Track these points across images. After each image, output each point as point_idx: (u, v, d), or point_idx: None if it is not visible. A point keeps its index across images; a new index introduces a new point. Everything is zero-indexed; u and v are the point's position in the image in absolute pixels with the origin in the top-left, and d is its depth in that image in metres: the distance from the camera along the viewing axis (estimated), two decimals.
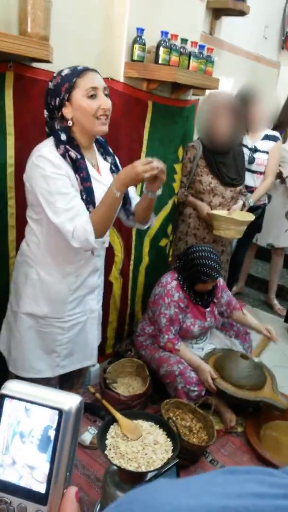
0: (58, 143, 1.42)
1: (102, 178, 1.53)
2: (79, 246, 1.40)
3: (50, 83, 1.44)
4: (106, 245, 1.46)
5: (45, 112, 1.47)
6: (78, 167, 1.42)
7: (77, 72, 1.40)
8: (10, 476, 0.38)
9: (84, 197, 1.44)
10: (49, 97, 1.43)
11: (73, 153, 1.42)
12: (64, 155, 1.41)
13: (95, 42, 1.90)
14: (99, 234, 1.40)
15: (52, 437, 0.38)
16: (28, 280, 1.55)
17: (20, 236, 1.75)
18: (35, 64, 1.63)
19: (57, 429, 0.38)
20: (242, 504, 0.30)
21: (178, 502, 0.30)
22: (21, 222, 1.74)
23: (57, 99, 1.41)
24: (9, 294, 1.67)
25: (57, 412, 0.38)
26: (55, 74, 1.44)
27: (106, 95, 1.43)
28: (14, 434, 0.39)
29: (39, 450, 0.38)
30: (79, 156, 1.43)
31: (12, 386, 0.40)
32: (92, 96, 1.40)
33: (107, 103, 1.42)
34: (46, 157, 1.38)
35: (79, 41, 1.80)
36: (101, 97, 1.41)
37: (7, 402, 0.39)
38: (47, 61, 1.53)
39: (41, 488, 0.37)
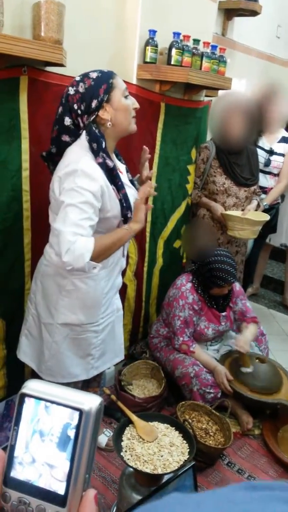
0: (98, 151, 1.38)
1: (125, 180, 1.54)
2: (68, 260, 1.29)
3: (72, 88, 1.40)
4: (96, 271, 1.39)
5: (67, 120, 1.41)
6: (114, 175, 1.42)
7: (110, 74, 1.43)
8: (29, 475, 0.38)
9: (124, 204, 1.45)
10: (79, 101, 1.39)
11: (109, 162, 1.40)
12: (101, 164, 1.38)
13: (108, 45, 1.91)
14: (95, 258, 1.33)
15: (72, 436, 0.38)
16: (63, 292, 1.52)
17: (36, 239, 1.77)
18: (48, 68, 1.64)
19: (77, 430, 0.38)
20: None
21: None
22: (37, 225, 1.75)
23: (95, 101, 1.38)
24: (30, 304, 1.62)
25: (77, 412, 0.38)
26: (78, 78, 1.41)
27: None
28: (33, 432, 0.39)
29: (59, 449, 0.38)
30: (113, 164, 1.42)
31: (32, 386, 0.40)
32: (127, 97, 1.46)
33: (136, 101, 1.48)
34: (85, 171, 1.33)
35: (91, 44, 1.81)
36: (130, 97, 1.47)
37: (27, 401, 0.39)
38: (61, 65, 1.54)
39: (60, 489, 0.37)
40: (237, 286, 2.40)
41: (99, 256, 1.35)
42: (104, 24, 1.87)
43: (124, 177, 1.57)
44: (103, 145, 1.40)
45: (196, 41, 2.12)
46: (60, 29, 1.51)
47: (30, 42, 1.41)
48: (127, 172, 1.62)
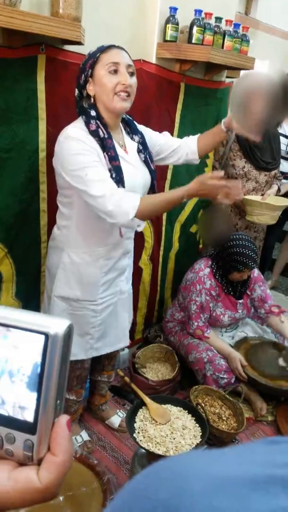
0: (88, 119, 1.42)
1: (130, 158, 1.52)
2: (113, 210, 1.33)
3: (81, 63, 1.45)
4: (141, 228, 1.42)
5: (76, 91, 1.48)
6: (105, 146, 1.42)
7: (102, 48, 1.40)
8: None
9: (113, 175, 1.42)
10: (78, 75, 1.44)
11: (101, 132, 1.42)
12: (95, 132, 1.40)
13: (127, 22, 1.86)
14: (140, 216, 1.35)
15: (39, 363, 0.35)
16: (60, 264, 1.57)
17: (52, 220, 1.76)
18: (66, 47, 1.62)
19: (44, 355, 0.35)
20: None
21: (215, 470, 0.27)
22: (53, 207, 1.75)
23: (83, 76, 1.42)
24: (45, 279, 1.71)
25: (43, 337, 0.35)
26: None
27: (130, 73, 1.41)
28: (2, 373, 0.36)
29: (29, 389, 0.36)
30: (106, 135, 1.42)
31: None
32: (114, 72, 1.38)
33: (128, 79, 1.39)
34: (73, 135, 1.38)
35: (111, 22, 1.77)
36: (122, 73, 1.39)
37: None
38: (79, 43, 1.51)
39: (29, 417, 0.36)
40: (256, 272, 2.37)
41: (144, 214, 1.36)
42: (124, 1, 1.82)
43: (130, 154, 1.53)
44: (93, 114, 1.42)
45: (219, 19, 2.05)
46: (79, 6, 1.48)
47: (48, 19, 1.38)
48: (139, 152, 1.57)
